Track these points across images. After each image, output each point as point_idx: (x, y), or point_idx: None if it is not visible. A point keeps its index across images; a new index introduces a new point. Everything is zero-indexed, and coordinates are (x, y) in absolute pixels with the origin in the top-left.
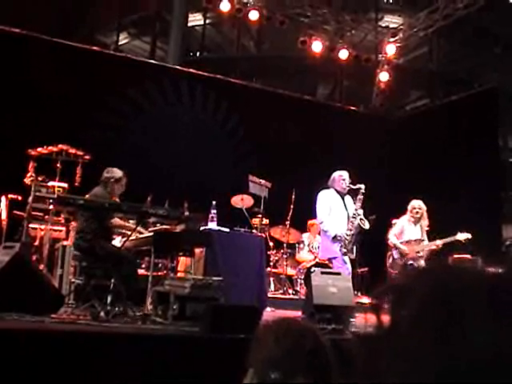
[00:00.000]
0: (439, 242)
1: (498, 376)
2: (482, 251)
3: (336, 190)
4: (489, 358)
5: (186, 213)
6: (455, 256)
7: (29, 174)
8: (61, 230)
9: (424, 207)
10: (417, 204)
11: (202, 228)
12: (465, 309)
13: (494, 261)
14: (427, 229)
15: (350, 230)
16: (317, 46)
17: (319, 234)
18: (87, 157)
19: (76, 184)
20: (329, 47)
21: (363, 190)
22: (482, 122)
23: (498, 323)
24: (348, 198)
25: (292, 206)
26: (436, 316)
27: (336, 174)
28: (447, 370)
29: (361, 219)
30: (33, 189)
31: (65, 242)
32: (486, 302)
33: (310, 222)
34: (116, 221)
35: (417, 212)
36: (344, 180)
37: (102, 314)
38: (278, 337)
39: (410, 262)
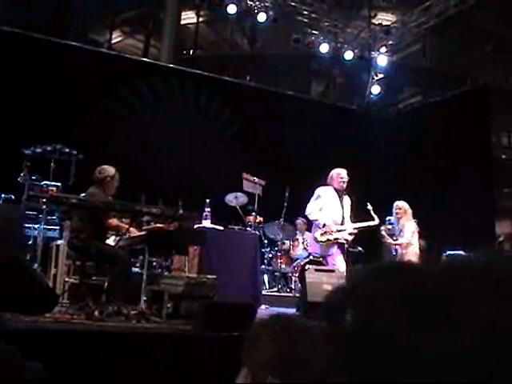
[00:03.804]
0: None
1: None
2: (476, 247)
3: (334, 188)
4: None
5: (180, 211)
6: (448, 252)
7: (22, 173)
8: (55, 229)
9: (400, 206)
10: (394, 205)
11: (195, 226)
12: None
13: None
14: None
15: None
16: (310, 44)
17: (308, 230)
18: (81, 156)
19: (70, 183)
20: (322, 45)
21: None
22: (475, 119)
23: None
24: (346, 197)
25: (286, 204)
26: (381, 320)
27: (334, 172)
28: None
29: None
30: (26, 188)
31: (59, 242)
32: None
33: (296, 220)
34: (114, 221)
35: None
36: (342, 178)
37: (97, 313)
38: (273, 337)
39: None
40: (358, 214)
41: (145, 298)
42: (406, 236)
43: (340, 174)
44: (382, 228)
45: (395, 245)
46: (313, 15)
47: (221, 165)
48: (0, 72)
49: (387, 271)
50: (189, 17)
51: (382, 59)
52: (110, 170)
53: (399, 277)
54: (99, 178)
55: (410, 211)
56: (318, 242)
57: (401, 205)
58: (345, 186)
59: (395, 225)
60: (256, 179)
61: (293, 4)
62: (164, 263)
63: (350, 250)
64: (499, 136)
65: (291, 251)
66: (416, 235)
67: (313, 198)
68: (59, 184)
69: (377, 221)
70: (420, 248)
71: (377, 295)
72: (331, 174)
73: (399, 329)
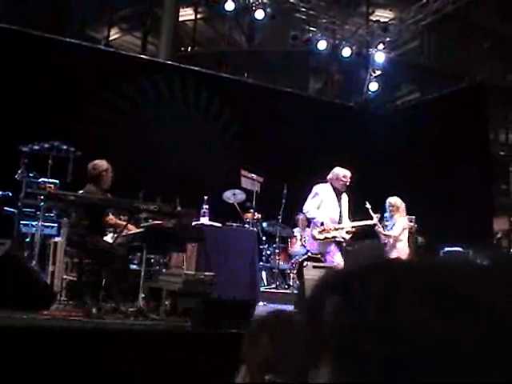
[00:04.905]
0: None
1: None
2: (473, 244)
3: (333, 186)
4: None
5: (178, 208)
6: (446, 249)
7: (20, 170)
8: (52, 227)
9: (393, 203)
10: (386, 202)
11: (194, 223)
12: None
13: (483, 253)
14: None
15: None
16: (308, 41)
17: (308, 226)
18: (79, 153)
19: (68, 180)
20: (320, 42)
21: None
22: (473, 115)
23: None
24: (344, 195)
25: (284, 201)
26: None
27: (341, 173)
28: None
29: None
30: (24, 185)
31: (56, 239)
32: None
33: (297, 216)
34: (112, 219)
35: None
36: (347, 180)
37: (94, 310)
38: (271, 335)
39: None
40: (355, 211)
41: (143, 295)
42: (396, 230)
43: (346, 176)
44: (378, 215)
45: (384, 235)
46: (311, 12)
47: (219, 162)
48: None
49: (368, 269)
50: (187, 14)
51: (379, 56)
52: (103, 164)
53: (380, 274)
54: (94, 174)
55: (402, 207)
56: (315, 239)
57: (393, 201)
58: (345, 187)
59: (390, 221)
60: (254, 176)
61: (291, 1)
62: (162, 260)
63: (348, 248)
64: (497, 133)
65: (289, 248)
66: (406, 232)
67: (310, 196)
68: (57, 181)
69: (375, 220)
70: (410, 245)
71: (359, 292)
72: (336, 172)
73: (377, 323)
